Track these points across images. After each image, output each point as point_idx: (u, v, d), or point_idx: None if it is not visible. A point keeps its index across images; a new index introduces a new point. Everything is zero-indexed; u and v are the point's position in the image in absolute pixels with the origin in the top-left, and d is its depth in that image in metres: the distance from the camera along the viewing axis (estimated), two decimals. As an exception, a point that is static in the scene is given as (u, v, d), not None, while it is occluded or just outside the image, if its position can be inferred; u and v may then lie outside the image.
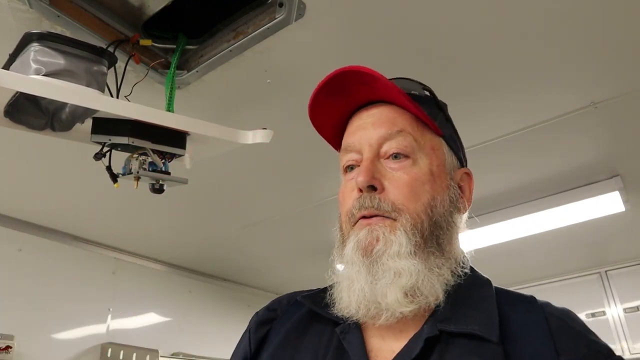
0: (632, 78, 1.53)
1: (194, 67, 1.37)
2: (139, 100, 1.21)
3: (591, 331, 0.65)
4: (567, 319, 0.65)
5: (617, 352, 0.62)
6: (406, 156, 0.68)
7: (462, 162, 0.76)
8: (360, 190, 0.66)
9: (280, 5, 1.19)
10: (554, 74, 1.50)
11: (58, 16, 1.16)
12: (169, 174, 1.25)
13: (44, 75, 1.03)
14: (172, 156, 1.26)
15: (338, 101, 0.72)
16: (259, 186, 2.08)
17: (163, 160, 1.24)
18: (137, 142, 1.16)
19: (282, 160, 1.86)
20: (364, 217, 0.66)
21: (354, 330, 0.67)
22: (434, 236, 0.66)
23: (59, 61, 1.06)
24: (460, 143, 0.79)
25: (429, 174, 0.68)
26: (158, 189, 1.24)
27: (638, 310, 2.97)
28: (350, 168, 0.72)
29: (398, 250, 0.62)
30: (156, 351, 2.24)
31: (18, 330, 2.05)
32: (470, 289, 0.67)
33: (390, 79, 0.73)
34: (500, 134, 1.79)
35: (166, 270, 2.85)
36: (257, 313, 0.80)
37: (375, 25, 1.27)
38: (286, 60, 1.36)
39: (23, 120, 1.12)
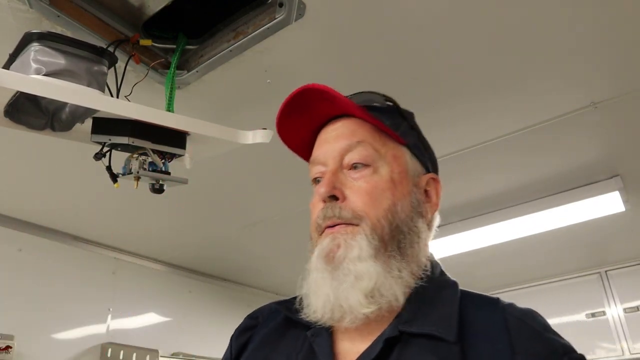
0: (632, 78, 1.53)
1: (194, 67, 1.37)
2: (139, 100, 1.21)
3: (551, 330, 0.66)
4: (526, 318, 0.66)
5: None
6: (366, 165, 0.71)
7: (428, 168, 0.79)
8: (325, 201, 0.70)
9: (280, 5, 1.19)
10: (554, 74, 1.50)
11: (58, 16, 1.16)
12: (169, 174, 1.25)
13: (44, 75, 1.03)
14: (172, 156, 1.26)
15: (304, 117, 0.76)
16: (259, 186, 2.09)
17: (163, 160, 1.24)
18: (137, 142, 1.16)
19: (282, 160, 1.85)
20: (328, 226, 0.69)
21: (324, 334, 0.70)
22: (394, 240, 0.68)
23: (59, 61, 1.06)
24: (429, 150, 0.82)
25: (389, 181, 0.71)
26: (158, 189, 1.24)
27: (638, 310, 2.97)
28: (317, 180, 0.75)
29: (358, 254, 0.66)
30: (156, 351, 2.24)
31: (18, 330, 2.05)
32: (435, 291, 0.70)
33: (352, 94, 0.78)
34: (500, 134, 1.79)
35: (166, 270, 2.85)
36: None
37: (375, 25, 1.27)
38: (286, 60, 1.36)
39: (23, 120, 1.12)
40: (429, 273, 0.71)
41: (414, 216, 0.72)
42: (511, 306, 0.69)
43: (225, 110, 1.57)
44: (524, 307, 0.69)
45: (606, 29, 1.33)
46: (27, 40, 1.07)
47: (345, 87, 1.48)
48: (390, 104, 0.79)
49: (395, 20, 1.26)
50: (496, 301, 0.70)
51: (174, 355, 2.52)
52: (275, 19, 1.21)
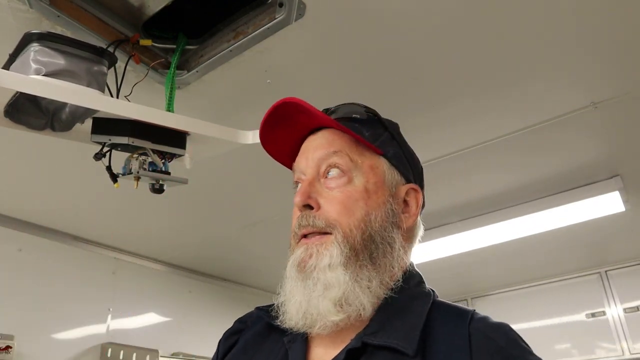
0: (632, 78, 1.53)
1: (194, 67, 1.37)
2: (139, 100, 1.21)
3: (519, 346, 0.65)
4: (492, 334, 0.65)
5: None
6: (342, 172, 0.72)
7: (409, 178, 0.78)
8: (300, 210, 0.72)
9: (280, 5, 1.19)
10: (554, 74, 1.50)
11: (58, 16, 1.16)
12: (169, 174, 1.25)
13: (44, 75, 1.03)
14: (172, 156, 1.26)
15: (288, 129, 0.78)
16: (259, 186, 2.08)
17: (163, 160, 1.24)
18: (137, 142, 1.16)
19: (282, 160, 1.86)
20: (304, 235, 0.71)
21: (299, 340, 0.72)
22: (367, 250, 0.69)
23: (59, 61, 1.06)
24: (412, 160, 0.81)
25: (363, 191, 0.72)
26: (158, 189, 1.24)
27: (638, 310, 2.97)
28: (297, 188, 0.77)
29: (329, 262, 0.67)
30: (156, 351, 2.24)
31: (18, 330, 2.05)
32: (405, 302, 0.70)
33: (336, 106, 0.80)
34: (500, 134, 1.79)
35: (166, 270, 2.85)
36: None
37: (375, 25, 1.27)
38: (286, 60, 1.36)
39: (23, 120, 1.12)
40: (401, 283, 0.71)
41: (387, 226, 0.72)
42: (481, 320, 0.68)
43: (225, 110, 1.57)
44: (497, 322, 0.68)
45: (606, 29, 1.33)
46: (27, 40, 1.07)
47: (345, 86, 1.49)
48: (371, 115, 0.80)
49: (395, 20, 1.26)
50: (466, 314, 0.69)
51: (174, 355, 2.52)
52: (275, 19, 1.21)
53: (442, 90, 1.55)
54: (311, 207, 0.71)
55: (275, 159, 0.83)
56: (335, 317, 0.66)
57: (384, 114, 0.82)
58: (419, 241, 0.80)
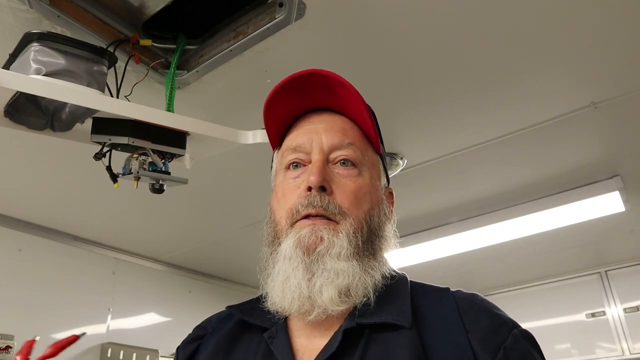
0: (632, 78, 1.53)
1: (194, 67, 1.37)
2: (139, 100, 1.21)
3: (498, 308, 0.70)
4: (473, 298, 0.70)
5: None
6: (353, 165, 0.72)
7: (388, 181, 0.81)
8: (309, 189, 0.69)
9: (280, 5, 1.19)
10: (554, 74, 1.50)
11: (58, 16, 1.16)
12: (169, 174, 1.25)
13: (44, 75, 1.03)
14: (172, 156, 1.26)
15: (296, 100, 0.76)
16: (259, 187, 2.08)
17: (163, 160, 1.24)
18: (137, 142, 1.16)
19: (282, 160, 1.86)
20: (308, 216, 0.68)
21: (281, 334, 0.70)
22: (369, 242, 0.70)
23: (59, 61, 1.06)
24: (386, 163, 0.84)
25: (370, 185, 0.73)
26: (158, 189, 1.24)
27: (638, 310, 2.97)
28: (295, 165, 0.74)
29: (339, 252, 0.66)
30: (156, 351, 2.24)
31: (18, 330, 2.05)
32: (389, 287, 0.71)
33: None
34: (500, 134, 1.79)
35: (166, 270, 2.85)
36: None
37: (376, 25, 1.27)
38: (286, 60, 1.36)
39: (23, 120, 1.12)
40: (391, 272, 0.74)
41: (385, 222, 0.74)
42: (459, 291, 0.72)
43: (225, 110, 1.57)
44: (469, 292, 0.73)
45: (606, 29, 1.33)
46: (27, 40, 1.07)
47: (345, 87, 1.49)
48: (371, 111, 0.80)
49: (395, 20, 1.26)
50: (446, 289, 0.73)
51: (174, 355, 2.52)
52: (275, 19, 1.21)
53: (442, 91, 1.55)
54: (324, 189, 0.69)
55: (266, 127, 0.79)
56: (338, 307, 0.65)
57: (383, 113, 0.82)
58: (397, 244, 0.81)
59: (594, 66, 1.47)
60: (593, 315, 3.10)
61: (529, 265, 3.11)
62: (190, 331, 0.86)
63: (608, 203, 2.17)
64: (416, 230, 2.56)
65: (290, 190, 0.72)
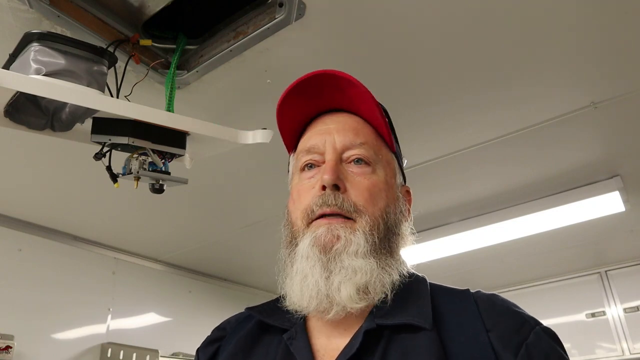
0: (632, 78, 1.53)
1: (194, 67, 1.37)
2: (139, 100, 1.21)
3: (519, 307, 0.70)
4: (494, 299, 0.70)
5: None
6: (367, 163, 0.73)
7: (404, 178, 0.82)
8: (324, 189, 0.69)
9: (280, 5, 1.19)
10: (554, 75, 1.50)
11: (58, 16, 1.16)
12: (169, 174, 1.25)
13: (44, 75, 1.03)
14: (172, 156, 1.26)
15: (307, 102, 0.76)
16: (259, 186, 2.08)
17: (163, 160, 1.24)
18: (137, 142, 1.16)
19: (282, 160, 1.86)
20: (323, 215, 0.69)
21: (300, 334, 0.70)
22: (386, 239, 0.70)
23: (59, 61, 1.06)
24: (401, 162, 0.84)
25: (385, 183, 0.73)
26: (158, 189, 1.24)
27: (638, 310, 2.97)
28: (309, 166, 0.75)
29: (356, 250, 0.66)
30: (156, 351, 2.24)
31: (18, 330, 2.05)
32: (407, 287, 0.71)
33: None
34: (500, 134, 1.79)
35: (166, 270, 2.85)
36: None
37: (375, 24, 1.27)
38: (286, 60, 1.36)
39: (23, 120, 1.12)
40: (407, 271, 0.74)
41: (401, 219, 0.75)
42: (479, 292, 0.72)
43: (225, 110, 1.57)
44: (489, 292, 0.72)
45: (606, 29, 1.33)
46: (27, 40, 1.07)
47: (345, 87, 1.49)
48: (384, 110, 0.80)
49: (394, 19, 1.26)
50: (466, 290, 0.73)
51: (174, 355, 2.52)
52: (275, 19, 1.21)
53: (442, 90, 1.55)
54: (338, 188, 0.69)
55: (281, 132, 0.80)
56: (357, 304, 0.65)
57: (384, 113, 0.82)
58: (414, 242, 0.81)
59: (594, 66, 1.47)
60: (593, 315, 3.10)
61: (529, 265, 3.11)
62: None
63: (608, 203, 2.17)
64: (416, 230, 2.56)
65: (305, 191, 0.73)
